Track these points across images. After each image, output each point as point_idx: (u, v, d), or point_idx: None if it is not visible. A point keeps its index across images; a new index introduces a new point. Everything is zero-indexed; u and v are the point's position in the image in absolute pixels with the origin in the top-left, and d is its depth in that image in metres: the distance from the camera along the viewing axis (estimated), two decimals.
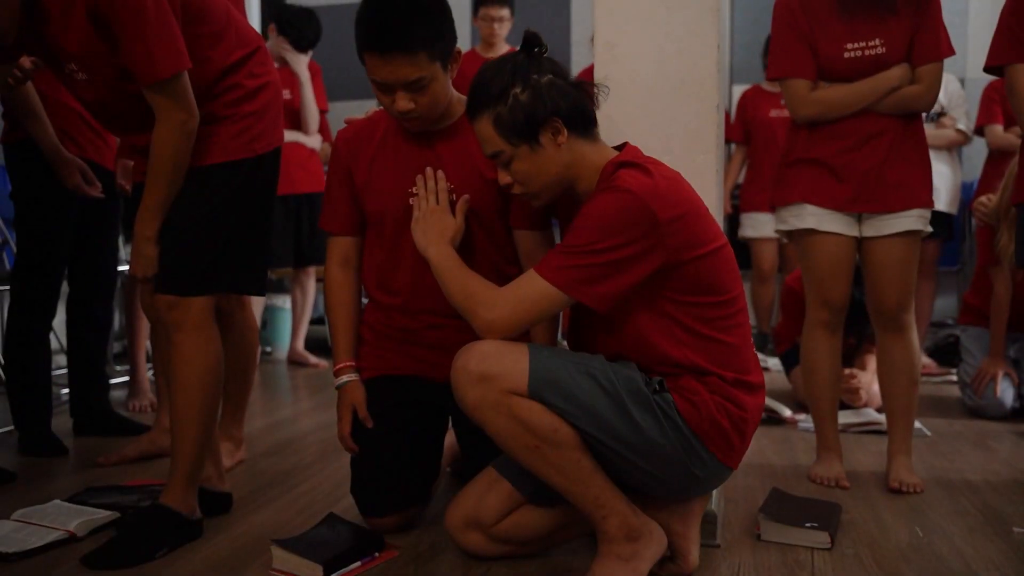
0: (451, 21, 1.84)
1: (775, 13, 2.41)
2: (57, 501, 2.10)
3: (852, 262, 2.40)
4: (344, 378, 2.03)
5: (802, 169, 2.39)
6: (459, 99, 1.96)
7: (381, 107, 1.96)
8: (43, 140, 2.59)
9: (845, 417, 3.03)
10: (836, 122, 2.34)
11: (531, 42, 1.71)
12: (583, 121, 1.71)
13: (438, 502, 2.16)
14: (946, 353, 4.36)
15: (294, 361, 4.60)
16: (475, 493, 1.80)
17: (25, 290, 2.71)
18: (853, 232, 2.37)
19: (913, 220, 2.33)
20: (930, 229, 2.37)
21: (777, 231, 2.49)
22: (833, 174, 2.34)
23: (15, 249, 2.81)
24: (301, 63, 4.22)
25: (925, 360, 4.32)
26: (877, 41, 2.30)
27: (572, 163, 1.71)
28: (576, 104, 1.70)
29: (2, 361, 3.30)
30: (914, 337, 2.41)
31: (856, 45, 2.31)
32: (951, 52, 2.31)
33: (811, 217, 2.36)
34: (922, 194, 2.34)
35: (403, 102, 1.83)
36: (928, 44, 2.30)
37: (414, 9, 1.77)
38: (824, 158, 2.35)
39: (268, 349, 4.82)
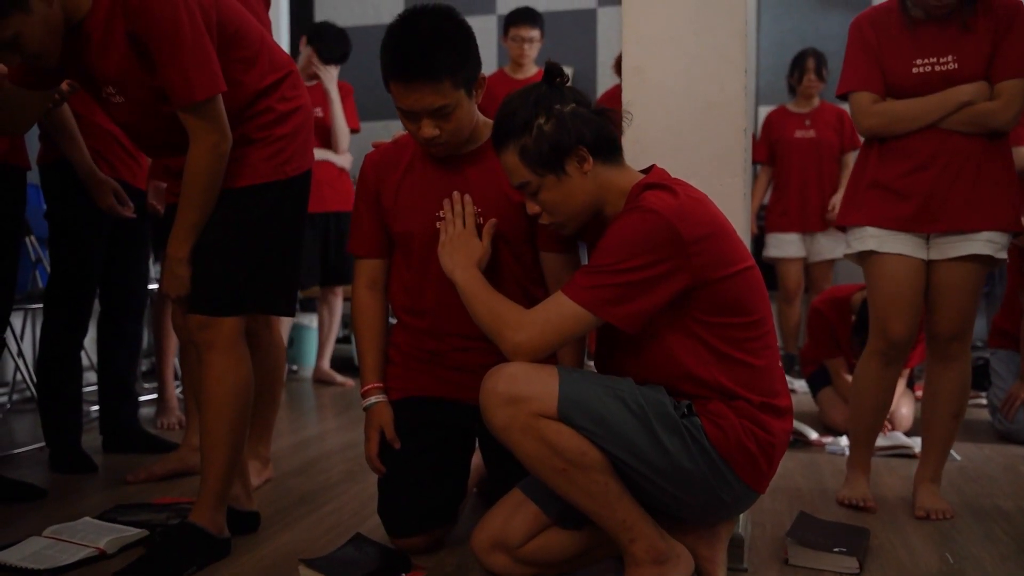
0: (475, 47, 1.86)
1: (849, 34, 2.36)
2: (87, 518, 2.13)
3: (918, 291, 2.27)
4: (372, 399, 2.04)
5: (868, 191, 2.32)
6: (485, 123, 1.97)
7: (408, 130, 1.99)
8: (78, 161, 2.63)
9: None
10: (906, 139, 2.26)
11: (552, 72, 1.73)
12: (608, 148, 1.72)
13: (464, 523, 2.16)
14: (976, 376, 4.29)
15: (320, 380, 4.62)
16: (501, 514, 1.80)
17: (58, 308, 2.75)
18: (919, 255, 2.27)
19: (982, 244, 2.22)
20: (1004, 255, 2.25)
21: (845, 255, 2.42)
22: (897, 194, 2.26)
23: (48, 268, 2.86)
24: (331, 79, 4.21)
25: None
26: (949, 57, 2.22)
27: (599, 190, 1.72)
28: (600, 131, 1.71)
29: (34, 378, 3.35)
30: (966, 369, 2.32)
31: (926, 61, 2.23)
32: None
33: (872, 239, 2.29)
34: (999, 215, 2.23)
35: (428, 129, 1.85)
36: (1011, 59, 2.19)
37: (437, 38, 1.79)
38: (890, 180, 2.28)
39: (295, 367, 4.85)
